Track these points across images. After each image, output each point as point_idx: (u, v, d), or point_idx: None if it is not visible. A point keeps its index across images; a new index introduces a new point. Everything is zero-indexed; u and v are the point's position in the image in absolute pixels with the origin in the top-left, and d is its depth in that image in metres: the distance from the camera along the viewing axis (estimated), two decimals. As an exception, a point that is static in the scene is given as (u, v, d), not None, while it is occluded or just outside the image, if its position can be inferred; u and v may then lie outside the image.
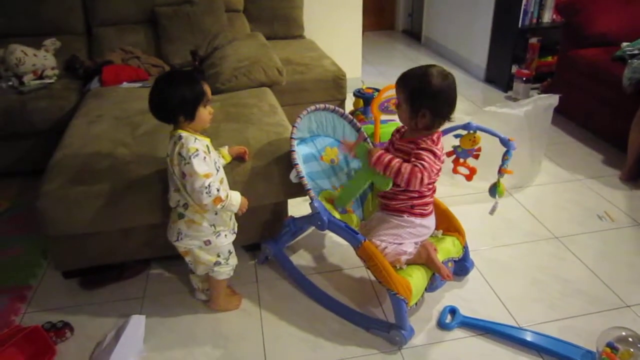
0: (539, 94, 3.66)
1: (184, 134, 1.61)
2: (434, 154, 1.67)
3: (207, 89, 1.65)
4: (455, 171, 2.05)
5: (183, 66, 3.10)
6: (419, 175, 1.62)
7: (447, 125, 1.78)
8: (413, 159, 1.66)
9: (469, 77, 4.52)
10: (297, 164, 1.83)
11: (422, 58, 5.17)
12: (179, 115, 1.61)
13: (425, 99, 1.63)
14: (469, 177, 2.02)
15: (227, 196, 1.65)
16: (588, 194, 2.67)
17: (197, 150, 1.59)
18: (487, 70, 4.33)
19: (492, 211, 2.03)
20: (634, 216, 2.46)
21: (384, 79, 4.45)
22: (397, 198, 1.79)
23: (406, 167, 1.64)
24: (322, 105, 1.99)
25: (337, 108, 2.02)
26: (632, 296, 1.96)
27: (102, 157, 1.96)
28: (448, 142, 2.04)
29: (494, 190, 1.99)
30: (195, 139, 1.61)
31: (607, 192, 2.66)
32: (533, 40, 3.94)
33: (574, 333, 1.79)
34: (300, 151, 1.94)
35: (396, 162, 1.67)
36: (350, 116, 2.05)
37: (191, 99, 1.60)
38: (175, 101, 1.58)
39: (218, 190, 1.61)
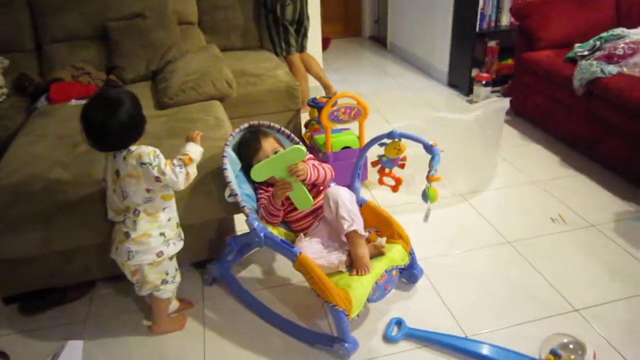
0: (499, 97, 3.67)
1: (132, 147, 1.61)
2: None
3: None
4: (381, 182, 2.02)
5: (135, 81, 3.05)
6: None
7: (373, 134, 1.81)
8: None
9: (432, 82, 4.52)
10: (229, 182, 1.79)
11: (388, 64, 5.17)
12: (132, 139, 1.61)
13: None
14: (394, 189, 1.99)
15: (189, 159, 1.65)
16: (543, 196, 2.67)
17: (154, 150, 1.60)
18: (450, 74, 4.33)
19: (425, 218, 1.95)
20: (587, 217, 2.46)
21: (349, 86, 4.43)
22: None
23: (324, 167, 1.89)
24: (255, 122, 1.97)
25: (272, 124, 1.99)
26: (580, 299, 1.95)
27: (36, 179, 1.90)
28: (373, 152, 2.03)
29: (425, 195, 1.93)
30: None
31: (562, 194, 2.66)
32: (492, 44, 3.95)
33: (521, 340, 1.77)
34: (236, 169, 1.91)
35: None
36: (287, 130, 2.02)
37: (139, 119, 1.61)
38: (125, 128, 1.57)
39: (181, 165, 1.62)
